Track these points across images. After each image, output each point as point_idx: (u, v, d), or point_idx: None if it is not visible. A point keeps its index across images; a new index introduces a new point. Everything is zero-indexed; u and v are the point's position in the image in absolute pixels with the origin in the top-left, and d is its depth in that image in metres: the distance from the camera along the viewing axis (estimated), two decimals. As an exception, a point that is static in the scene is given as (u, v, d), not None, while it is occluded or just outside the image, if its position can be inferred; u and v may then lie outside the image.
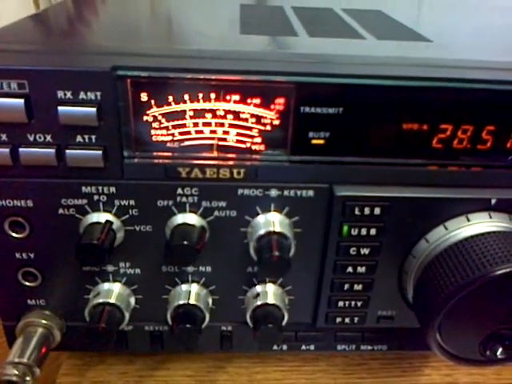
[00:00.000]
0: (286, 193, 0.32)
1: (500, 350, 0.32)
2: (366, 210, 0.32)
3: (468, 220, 0.32)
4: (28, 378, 0.32)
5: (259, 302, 0.34)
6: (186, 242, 0.30)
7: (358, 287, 0.35)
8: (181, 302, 0.33)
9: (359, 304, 0.36)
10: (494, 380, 0.43)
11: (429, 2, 0.62)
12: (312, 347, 0.39)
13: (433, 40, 0.38)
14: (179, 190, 0.31)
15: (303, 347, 0.39)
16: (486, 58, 0.34)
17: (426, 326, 0.31)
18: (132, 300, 0.35)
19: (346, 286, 0.35)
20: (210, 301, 0.35)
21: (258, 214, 0.32)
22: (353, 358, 0.43)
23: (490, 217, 0.32)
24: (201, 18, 0.44)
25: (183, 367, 0.42)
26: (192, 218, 0.32)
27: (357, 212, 0.32)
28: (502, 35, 0.44)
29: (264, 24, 0.42)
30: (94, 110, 0.28)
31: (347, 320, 0.36)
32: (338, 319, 0.36)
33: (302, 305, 0.36)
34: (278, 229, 0.31)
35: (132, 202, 0.32)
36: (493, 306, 0.31)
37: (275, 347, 0.39)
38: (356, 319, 0.36)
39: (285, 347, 0.39)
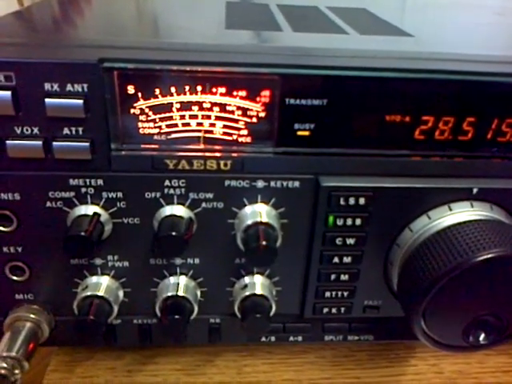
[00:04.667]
0: (272, 184, 0.32)
1: (482, 335, 0.33)
2: (351, 201, 0.32)
3: (450, 209, 0.33)
4: (17, 371, 0.32)
5: (247, 293, 0.34)
6: (174, 233, 0.30)
7: (344, 277, 0.35)
8: (169, 294, 0.34)
9: (346, 294, 0.36)
10: (478, 368, 0.43)
11: (412, 1, 0.63)
12: (300, 338, 0.39)
13: (414, 35, 0.39)
14: (167, 182, 0.32)
15: (291, 338, 0.39)
16: (464, 51, 0.35)
17: (410, 313, 0.32)
18: (120, 293, 0.35)
19: (333, 277, 0.35)
20: (199, 293, 0.35)
21: (245, 206, 0.33)
22: (340, 350, 0.44)
23: (472, 206, 0.33)
24: (187, 14, 0.45)
25: (172, 361, 0.42)
26: (180, 210, 0.32)
27: (342, 202, 0.32)
28: (479, 30, 0.45)
29: (249, 20, 0.42)
30: (80, 102, 0.28)
31: (334, 310, 0.37)
32: (325, 309, 0.37)
33: (290, 296, 0.36)
34: (264, 219, 0.32)
35: (120, 195, 0.32)
36: (475, 293, 0.31)
37: (263, 339, 0.39)
38: (343, 309, 0.37)
39: (273, 339, 0.39)
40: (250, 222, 0.32)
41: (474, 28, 0.47)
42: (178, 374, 0.41)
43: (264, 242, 0.30)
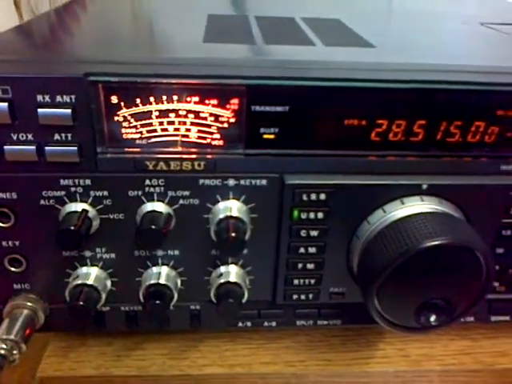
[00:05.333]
0: (242, 182, 0.36)
1: (433, 317, 0.36)
2: (313, 196, 0.36)
3: (402, 203, 0.37)
4: (15, 352, 0.35)
5: (222, 281, 0.38)
6: (153, 226, 0.34)
7: (310, 266, 0.39)
8: (152, 282, 0.37)
9: (312, 282, 0.40)
10: (442, 351, 0.47)
11: (386, 12, 0.67)
12: (274, 323, 0.43)
13: (376, 46, 0.43)
14: (147, 182, 0.35)
15: (266, 323, 0.43)
16: (418, 61, 0.38)
17: (365, 296, 0.35)
18: (108, 282, 0.39)
19: (300, 266, 0.39)
20: (179, 282, 0.39)
21: (218, 202, 0.36)
22: (315, 335, 0.48)
23: (422, 200, 0.37)
24: (171, 28, 0.49)
25: (159, 347, 0.45)
26: (159, 206, 0.36)
27: (305, 198, 0.36)
28: (440, 40, 0.49)
29: (226, 33, 0.46)
30: (69, 111, 0.32)
31: (303, 297, 0.40)
32: (295, 296, 0.40)
33: (262, 283, 0.40)
34: (235, 214, 0.35)
35: (105, 193, 0.35)
36: (424, 278, 0.35)
37: (240, 324, 0.43)
38: (311, 296, 0.40)
39: (249, 324, 0.43)
40: (221, 216, 0.35)
41: (436, 38, 0.50)
42: (163, 359, 0.45)
43: (233, 234, 0.34)
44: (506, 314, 0.45)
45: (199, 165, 0.35)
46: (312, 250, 0.38)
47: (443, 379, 0.46)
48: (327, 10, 0.62)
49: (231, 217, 0.35)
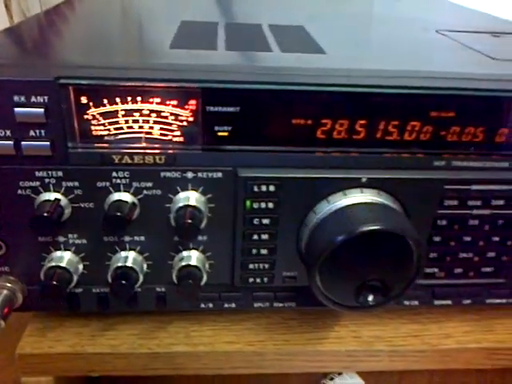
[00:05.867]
0: (199, 175, 0.40)
1: (371, 297, 0.40)
2: (263, 188, 0.40)
3: (345, 195, 0.41)
4: (-6, 327, 0.39)
5: (183, 264, 0.42)
6: (118, 213, 0.38)
7: (263, 252, 0.43)
8: (119, 265, 0.41)
9: (266, 266, 0.44)
10: (392, 334, 0.51)
11: (353, 19, 0.71)
12: (233, 305, 0.47)
13: (327, 52, 0.47)
14: (114, 174, 0.39)
15: (226, 305, 0.47)
16: (360, 67, 0.42)
17: (309, 277, 0.39)
18: (80, 266, 0.42)
19: (254, 251, 0.43)
20: (145, 265, 0.43)
21: (178, 192, 0.40)
22: (275, 318, 0.51)
23: (362, 192, 0.41)
24: (144, 34, 0.53)
25: (130, 328, 0.49)
26: (125, 196, 0.40)
27: (256, 189, 0.40)
28: (389, 47, 0.53)
29: (193, 39, 0.50)
30: (42, 110, 0.36)
31: (258, 280, 0.44)
32: (251, 279, 0.44)
33: (221, 268, 0.44)
34: (192, 203, 0.39)
35: (76, 184, 0.39)
36: (361, 261, 0.39)
37: (202, 305, 0.46)
38: (265, 279, 0.44)
39: (211, 305, 0.46)
40: (181, 204, 0.39)
41: (387, 45, 0.54)
42: (134, 338, 0.48)
43: (189, 221, 0.38)
44: (448, 298, 0.49)
45: (160, 159, 0.39)
46: (265, 236, 0.42)
47: (392, 359, 0.50)
48: (296, 18, 0.66)
49: (189, 205, 0.39)
